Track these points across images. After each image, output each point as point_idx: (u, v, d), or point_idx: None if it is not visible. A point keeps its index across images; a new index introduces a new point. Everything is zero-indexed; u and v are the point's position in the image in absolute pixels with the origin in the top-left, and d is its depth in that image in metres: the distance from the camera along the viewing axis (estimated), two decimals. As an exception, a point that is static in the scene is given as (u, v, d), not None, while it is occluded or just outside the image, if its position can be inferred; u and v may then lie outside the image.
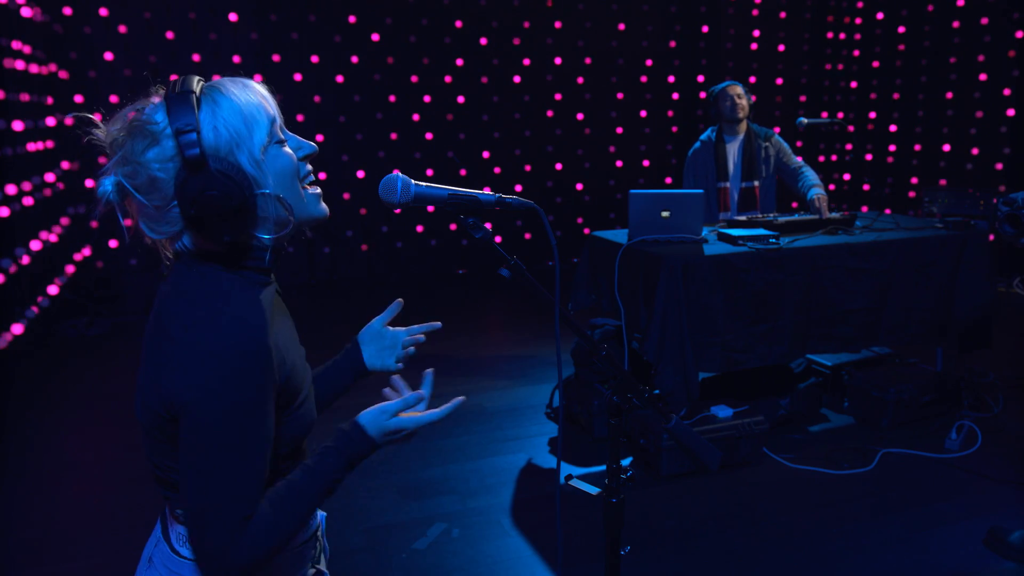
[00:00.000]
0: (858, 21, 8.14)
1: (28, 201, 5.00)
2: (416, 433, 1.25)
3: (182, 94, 1.05)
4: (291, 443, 1.18)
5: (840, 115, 8.36)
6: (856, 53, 8.16)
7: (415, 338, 1.50)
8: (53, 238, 5.59)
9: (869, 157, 8.04)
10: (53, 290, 5.52)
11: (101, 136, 1.08)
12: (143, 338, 1.14)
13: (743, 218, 3.96)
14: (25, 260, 4.80)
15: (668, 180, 8.11)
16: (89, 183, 6.32)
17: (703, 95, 8.05)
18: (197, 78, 1.10)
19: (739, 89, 4.32)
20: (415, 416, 1.24)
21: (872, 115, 8.00)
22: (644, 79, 7.86)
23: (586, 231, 7.65)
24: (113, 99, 6.29)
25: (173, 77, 1.11)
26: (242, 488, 1.06)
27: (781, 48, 8.24)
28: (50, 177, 5.60)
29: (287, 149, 1.14)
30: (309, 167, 1.19)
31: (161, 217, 1.08)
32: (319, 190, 1.21)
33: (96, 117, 1.09)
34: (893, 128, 7.75)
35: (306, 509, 1.14)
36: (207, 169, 1.03)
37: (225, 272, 1.11)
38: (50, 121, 5.77)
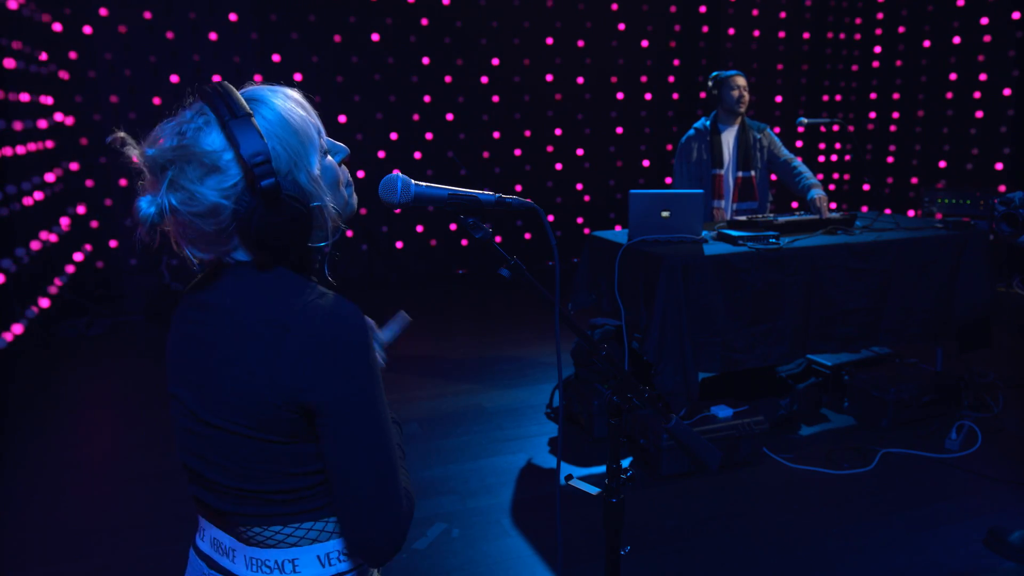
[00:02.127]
0: (858, 21, 8.14)
1: (28, 201, 5.01)
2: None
3: (242, 119, 0.99)
4: None
5: (840, 115, 8.36)
6: (856, 53, 8.16)
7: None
8: (53, 238, 5.59)
9: (869, 157, 8.04)
10: (53, 290, 5.52)
11: (135, 156, 1.02)
12: (191, 356, 1.09)
13: (743, 218, 3.96)
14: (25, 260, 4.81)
15: (668, 180, 8.11)
16: (89, 183, 6.32)
17: (703, 95, 8.06)
18: (236, 92, 1.03)
19: (744, 81, 4.32)
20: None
21: (872, 115, 8.00)
22: (644, 79, 7.86)
23: (586, 231, 7.65)
24: (113, 99, 6.29)
25: (216, 78, 1.05)
26: (397, 461, 1.08)
27: (781, 48, 8.24)
28: (50, 177, 5.60)
29: (330, 158, 1.12)
30: (346, 170, 1.17)
31: (216, 240, 1.04)
32: (351, 182, 1.19)
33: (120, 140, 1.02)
34: (893, 128, 7.75)
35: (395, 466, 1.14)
36: (278, 199, 1.00)
37: (288, 271, 1.08)
38: (50, 121, 5.77)
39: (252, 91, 1.06)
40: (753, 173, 4.36)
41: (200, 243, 1.05)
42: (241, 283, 1.07)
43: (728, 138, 4.39)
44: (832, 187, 8.46)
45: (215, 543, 1.18)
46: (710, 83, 4.39)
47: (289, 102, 1.06)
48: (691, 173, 4.42)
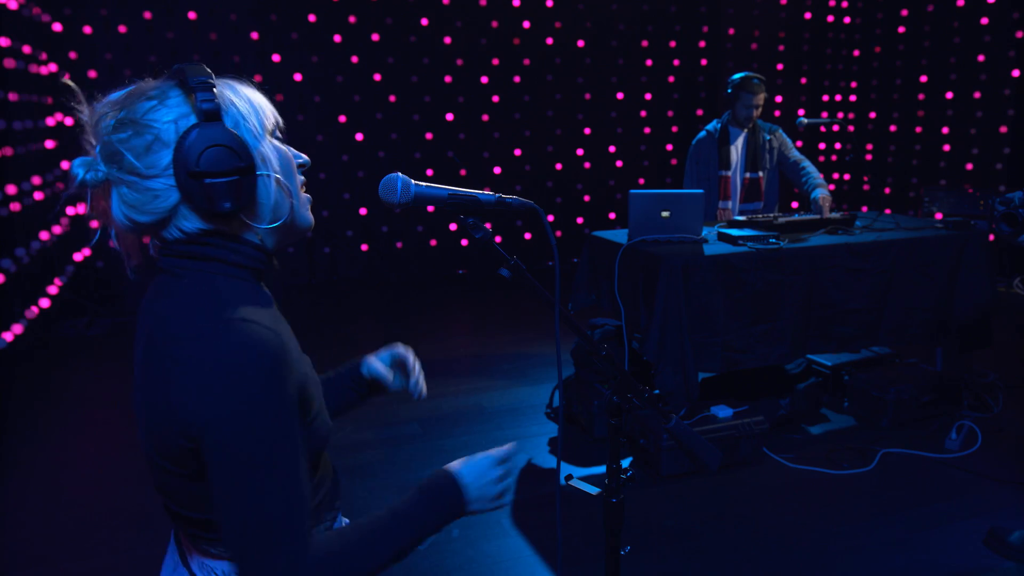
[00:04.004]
0: (858, 21, 8.14)
1: (28, 201, 5.00)
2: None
3: (196, 65, 1.00)
4: (310, 457, 1.09)
5: (840, 115, 8.36)
6: (856, 53, 8.16)
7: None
8: (54, 235, 5.59)
9: (869, 157, 8.04)
10: (53, 290, 5.52)
11: (85, 113, 1.00)
12: (136, 360, 1.06)
13: (743, 218, 3.96)
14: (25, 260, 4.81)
15: (668, 180, 8.11)
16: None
17: (703, 95, 8.06)
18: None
19: (761, 99, 4.31)
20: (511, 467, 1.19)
21: (872, 115, 8.00)
22: (644, 79, 7.86)
23: (586, 231, 7.65)
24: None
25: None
26: (292, 508, 0.96)
27: (781, 48, 8.24)
28: (50, 177, 5.60)
29: (286, 149, 1.11)
30: (302, 177, 1.15)
31: (151, 191, 0.98)
32: (309, 197, 1.16)
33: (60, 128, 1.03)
34: (893, 128, 7.75)
35: (383, 555, 1.06)
36: (219, 123, 0.97)
37: (222, 276, 1.02)
38: (50, 121, 5.77)
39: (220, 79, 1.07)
40: (761, 174, 4.39)
41: (134, 202, 0.99)
42: (161, 293, 1.03)
43: (738, 140, 4.43)
44: (832, 187, 8.45)
45: (180, 538, 1.18)
46: (728, 89, 4.38)
47: (251, 90, 1.09)
48: (700, 174, 4.46)
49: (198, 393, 0.93)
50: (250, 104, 1.06)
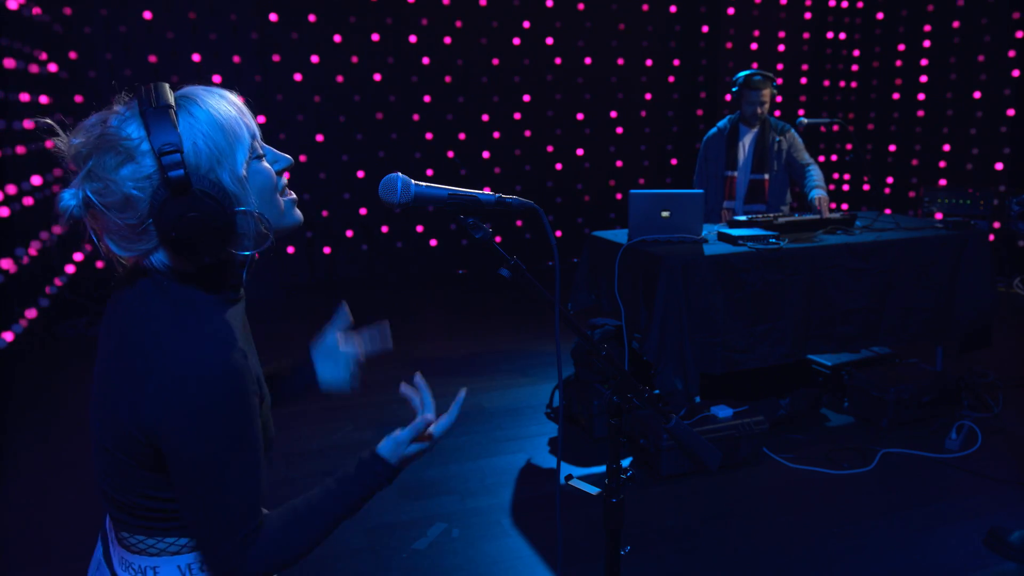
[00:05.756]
0: (858, 21, 8.14)
1: (28, 201, 5.00)
2: (435, 446, 1.29)
3: (160, 109, 0.98)
4: None
5: (840, 115, 8.36)
6: (856, 53, 8.16)
7: (375, 349, 1.49)
8: (53, 238, 5.59)
9: (869, 157, 8.03)
10: (53, 290, 5.52)
11: (61, 146, 1.01)
12: (100, 356, 1.10)
13: (744, 218, 3.96)
14: (25, 260, 4.80)
15: (668, 180, 8.11)
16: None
17: (703, 94, 8.05)
18: (168, 86, 1.03)
19: (766, 96, 4.30)
20: (433, 429, 1.28)
21: (872, 115, 7.99)
22: (644, 79, 7.86)
23: (586, 231, 7.65)
24: (113, 100, 6.29)
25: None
26: (245, 504, 1.07)
27: (781, 48, 8.24)
28: (50, 177, 5.59)
29: (265, 164, 1.10)
30: (285, 179, 1.16)
31: (134, 235, 1.02)
32: (293, 196, 1.17)
33: (48, 144, 1.03)
34: (893, 128, 7.75)
35: (320, 530, 1.16)
36: (190, 193, 0.98)
37: (201, 292, 1.07)
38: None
39: (188, 90, 1.06)
40: (766, 176, 4.37)
41: (119, 240, 1.03)
42: (140, 300, 1.07)
43: (746, 140, 4.42)
44: (832, 187, 8.45)
45: (105, 532, 1.23)
46: (734, 87, 4.38)
47: (223, 102, 1.05)
48: (708, 171, 4.49)
49: (165, 403, 1.00)
50: (226, 135, 1.03)
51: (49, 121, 1.03)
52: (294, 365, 1.46)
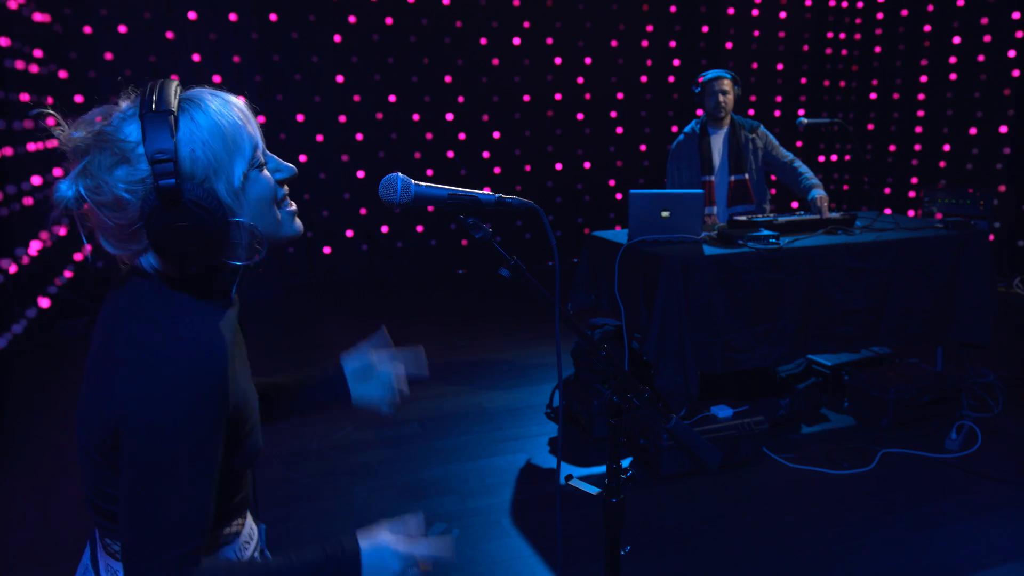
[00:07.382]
0: (858, 21, 8.14)
1: (28, 201, 5.00)
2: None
3: (160, 114, 0.96)
4: (234, 474, 1.12)
5: (840, 115, 8.36)
6: (856, 53, 8.16)
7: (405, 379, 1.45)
8: (56, 235, 5.59)
9: (869, 157, 8.04)
10: (53, 290, 5.52)
11: (61, 139, 0.99)
12: (89, 356, 1.08)
13: (743, 218, 3.95)
14: (25, 260, 4.80)
15: (667, 180, 8.10)
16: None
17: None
18: (175, 86, 1.01)
19: (726, 83, 4.21)
20: (422, 550, 1.16)
21: (872, 115, 7.99)
22: (644, 79, 7.86)
23: (586, 231, 7.65)
24: (113, 99, 6.28)
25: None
26: (186, 520, 0.98)
27: (781, 48, 8.24)
28: (50, 177, 5.59)
29: (266, 173, 1.08)
30: (286, 189, 1.13)
31: (125, 236, 1.00)
32: (294, 207, 1.14)
33: (50, 122, 1.01)
34: (893, 128, 7.75)
35: None
36: (180, 205, 0.96)
37: (190, 296, 1.05)
38: (50, 121, 5.76)
39: (194, 92, 1.04)
40: (747, 176, 4.24)
41: (111, 238, 1.02)
42: (130, 300, 1.05)
43: (718, 142, 4.29)
44: (832, 187, 8.45)
45: (93, 538, 1.21)
46: (696, 88, 4.35)
47: (226, 108, 1.03)
48: (681, 181, 4.33)
49: (126, 390, 0.97)
50: (225, 144, 1.01)
51: (51, 112, 1.01)
52: (324, 375, 1.42)
